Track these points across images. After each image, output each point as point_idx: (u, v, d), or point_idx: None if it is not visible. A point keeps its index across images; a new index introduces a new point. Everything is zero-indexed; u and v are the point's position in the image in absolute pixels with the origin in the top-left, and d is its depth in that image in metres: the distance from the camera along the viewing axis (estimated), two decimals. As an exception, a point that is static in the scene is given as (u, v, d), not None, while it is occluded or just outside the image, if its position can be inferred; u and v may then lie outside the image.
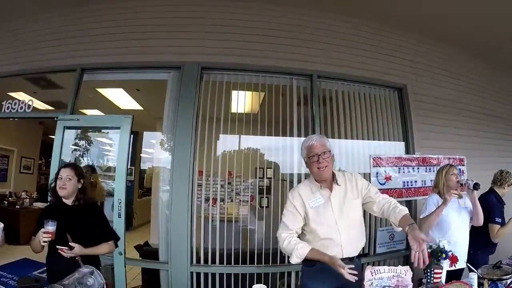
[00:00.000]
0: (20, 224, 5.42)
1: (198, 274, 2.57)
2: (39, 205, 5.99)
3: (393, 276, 1.48)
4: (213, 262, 2.61)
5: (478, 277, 1.68)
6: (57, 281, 1.46)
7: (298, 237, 1.65)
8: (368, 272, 1.48)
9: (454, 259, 1.71)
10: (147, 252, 2.90)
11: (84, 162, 3.26)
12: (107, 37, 2.94)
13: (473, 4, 2.93)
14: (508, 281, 1.68)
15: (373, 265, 1.74)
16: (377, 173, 2.98)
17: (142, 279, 2.98)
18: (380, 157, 3.03)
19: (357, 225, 1.69)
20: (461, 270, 2.16)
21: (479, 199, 2.29)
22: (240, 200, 2.87)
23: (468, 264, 1.80)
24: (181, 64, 2.81)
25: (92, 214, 1.83)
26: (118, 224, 2.42)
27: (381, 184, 2.99)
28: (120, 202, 2.48)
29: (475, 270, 1.73)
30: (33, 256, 4.79)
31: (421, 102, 3.45)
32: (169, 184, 2.63)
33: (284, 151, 2.97)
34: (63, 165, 1.96)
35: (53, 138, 2.72)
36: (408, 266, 1.48)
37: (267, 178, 2.99)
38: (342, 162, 3.02)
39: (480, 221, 2.27)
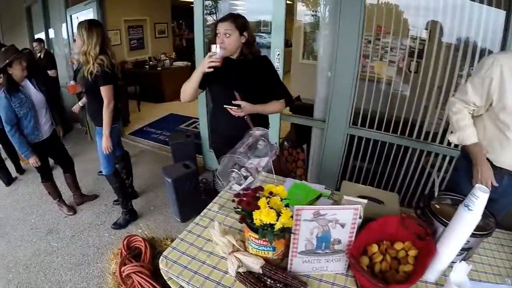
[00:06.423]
0: (163, 83, 6.10)
1: (352, 137, 2.44)
2: (179, 64, 6.68)
3: None
4: (364, 125, 2.40)
5: None
6: (225, 144, 1.35)
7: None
8: None
9: None
10: (299, 107, 2.81)
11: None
12: None
13: None
14: None
15: None
16: None
17: (292, 131, 2.97)
18: None
19: None
20: None
21: None
22: (387, 60, 2.37)
23: None
24: None
25: (262, 69, 1.59)
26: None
27: None
28: (279, 54, 2.43)
29: None
30: (178, 111, 5.52)
31: None
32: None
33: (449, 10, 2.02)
34: (220, 18, 1.59)
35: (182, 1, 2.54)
36: None
37: (420, 40, 2.24)
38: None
39: None
